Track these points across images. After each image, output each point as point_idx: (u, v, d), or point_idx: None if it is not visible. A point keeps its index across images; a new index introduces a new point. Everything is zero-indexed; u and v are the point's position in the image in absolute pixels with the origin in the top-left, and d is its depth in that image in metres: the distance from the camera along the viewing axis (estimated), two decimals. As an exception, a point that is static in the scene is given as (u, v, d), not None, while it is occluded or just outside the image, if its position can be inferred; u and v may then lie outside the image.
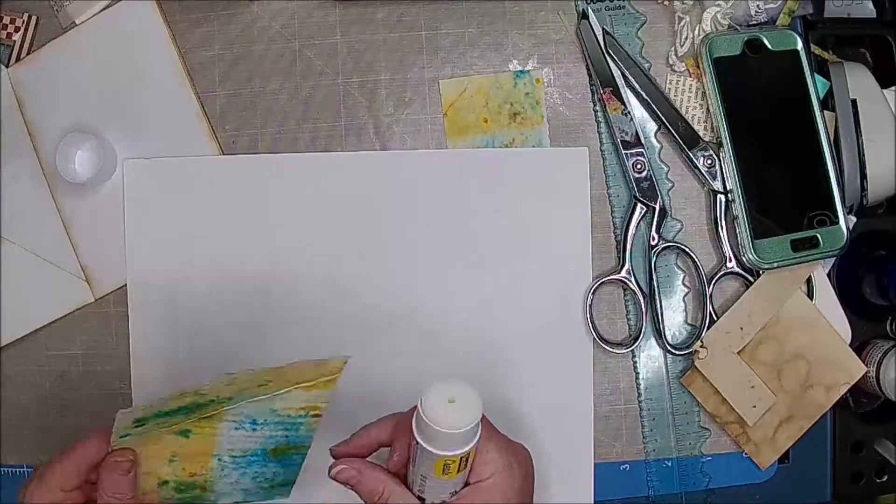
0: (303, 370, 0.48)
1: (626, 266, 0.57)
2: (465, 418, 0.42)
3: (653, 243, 0.57)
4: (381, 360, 0.58)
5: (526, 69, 0.59)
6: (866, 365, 0.57)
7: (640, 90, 0.57)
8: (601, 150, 0.58)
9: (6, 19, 0.60)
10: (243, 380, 0.49)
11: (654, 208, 0.57)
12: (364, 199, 0.58)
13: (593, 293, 0.57)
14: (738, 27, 0.57)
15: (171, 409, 0.48)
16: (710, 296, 0.57)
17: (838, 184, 0.56)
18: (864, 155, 0.57)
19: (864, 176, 0.57)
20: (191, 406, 0.48)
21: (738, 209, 0.55)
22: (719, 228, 0.57)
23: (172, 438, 0.48)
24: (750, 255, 0.55)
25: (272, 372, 0.48)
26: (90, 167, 0.58)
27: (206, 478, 0.50)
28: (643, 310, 0.57)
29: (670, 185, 0.58)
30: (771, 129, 0.56)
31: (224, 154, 0.59)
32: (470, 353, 0.58)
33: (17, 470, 0.61)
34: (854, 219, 0.58)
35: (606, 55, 0.57)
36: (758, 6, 0.57)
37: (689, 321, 0.58)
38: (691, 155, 0.57)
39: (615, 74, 0.57)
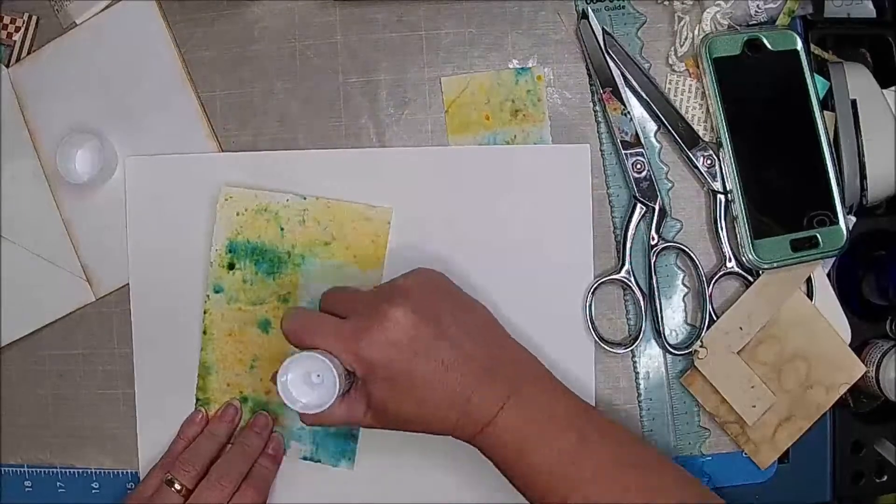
0: (354, 218, 0.57)
1: (626, 266, 0.57)
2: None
3: (652, 243, 0.57)
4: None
5: (527, 66, 0.59)
6: (866, 365, 0.57)
7: (639, 90, 0.57)
8: (601, 150, 0.58)
9: (6, 19, 0.60)
10: (311, 221, 0.57)
11: (653, 208, 0.57)
12: (365, 196, 0.58)
13: (593, 293, 0.57)
14: (737, 27, 0.57)
15: (257, 247, 0.57)
16: (710, 296, 0.57)
17: (838, 184, 0.56)
18: (863, 155, 0.57)
19: (863, 176, 0.57)
20: (273, 259, 0.57)
21: (738, 209, 0.55)
22: (719, 228, 0.57)
23: (255, 333, 0.58)
24: (750, 255, 0.55)
25: (332, 213, 0.57)
26: (91, 167, 0.58)
27: (280, 399, 0.56)
28: (643, 310, 0.57)
29: (670, 185, 0.58)
30: (771, 129, 0.56)
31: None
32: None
33: (18, 470, 0.61)
34: (854, 219, 0.58)
35: (606, 55, 0.57)
36: (758, 6, 0.57)
37: (688, 321, 0.58)
38: (691, 155, 0.57)
39: (615, 74, 0.57)
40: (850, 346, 0.57)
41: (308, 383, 0.47)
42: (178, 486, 0.54)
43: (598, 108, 0.58)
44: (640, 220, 0.57)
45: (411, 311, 0.46)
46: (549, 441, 0.47)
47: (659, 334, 0.57)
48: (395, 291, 0.48)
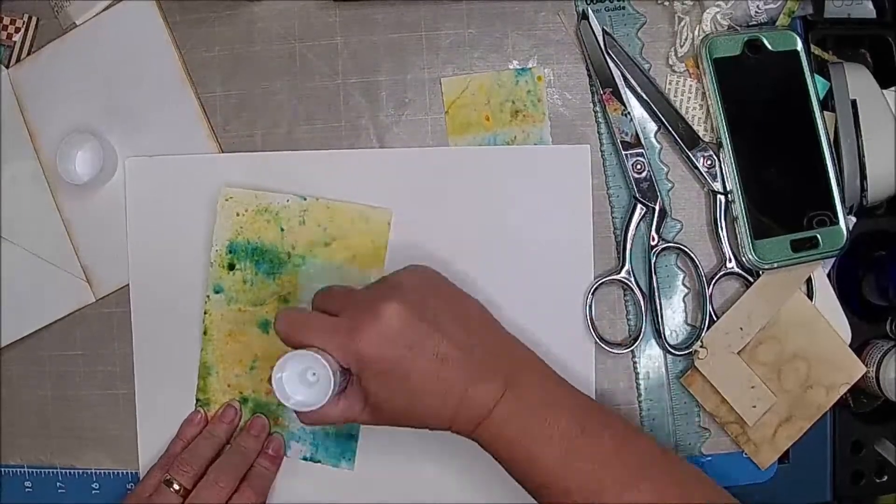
0: (354, 220, 0.57)
1: (626, 266, 0.57)
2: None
3: (653, 244, 0.57)
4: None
5: (527, 67, 0.59)
6: (866, 365, 0.57)
7: (639, 90, 0.57)
8: (601, 150, 0.58)
9: (6, 20, 0.60)
10: (311, 221, 0.57)
11: (653, 209, 0.57)
12: (365, 196, 0.58)
13: (593, 293, 0.57)
14: (737, 27, 0.57)
15: (257, 247, 0.58)
16: (710, 296, 0.57)
17: (838, 184, 0.56)
18: (864, 155, 0.57)
19: (864, 176, 0.57)
20: (273, 260, 0.57)
21: (738, 209, 0.55)
22: (719, 229, 0.57)
23: (256, 333, 0.58)
24: (750, 256, 0.55)
25: (332, 213, 0.57)
26: (90, 167, 0.58)
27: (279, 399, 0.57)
28: (643, 310, 0.57)
29: (670, 185, 0.58)
30: (771, 129, 0.56)
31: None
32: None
33: (18, 470, 0.61)
34: (854, 219, 0.58)
35: (606, 55, 0.57)
36: (758, 7, 0.57)
37: (688, 321, 0.58)
38: (691, 155, 0.57)
39: (615, 75, 0.57)
40: (851, 346, 0.58)
41: (304, 382, 0.46)
42: (176, 487, 0.54)
43: (598, 108, 0.58)
44: (640, 221, 0.57)
45: (404, 306, 0.46)
46: (550, 432, 0.46)
47: (659, 335, 0.57)
48: (388, 287, 0.48)
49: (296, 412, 0.48)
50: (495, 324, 0.51)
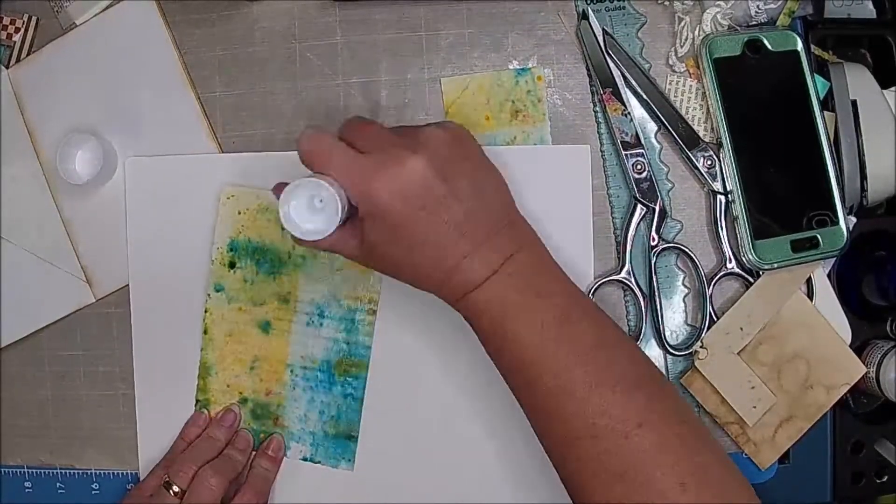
0: None
1: (626, 267, 0.57)
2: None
3: (653, 244, 0.57)
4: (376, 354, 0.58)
5: (527, 67, 0.59)
6: (866, 365, 0.57)
7: (640, 91, 0.57)
8: (601, 150, 0.58)
9: (6, 20, 0.60)
10: None
11: (654, 209, 0.57)
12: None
13: (593, 293, 0.57)
14: (737, 28, 0.57)
15: (258, 246, 0.58)
16: (710, 296, 0.57)
17: (838, 184, 0.56)
18: (864, 155, 0.57)
19: (864, 176, 0.57)
20: (274, 259, 0.58)
21: (738, 209, 0.55)
22: (719, 229, 0.57)
23: (255, 334, 0.58)
24: (750, 256, 0.55)
25: None
26: (90, 168, 0.58)
27: (279, 400, 0.58)
28: (643, 310, 0.57)
29: (670, 185, 0.58)
30: (771, 129, 0.56)
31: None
32: (467, 352, 0.58)
33: (18, 470, 0.61)
34: (854, 219, 0.58)
35: (606, 56, 0.57)
36: (758, 7, 0.57)
37: (689, 322, 0.58)
38: (691, 155, 0.57)
39: (615, 75, 0.57)
40: (851, 346, 0.57)
41: (311, 208, 0.45)
42: (175, 489, 0.54)
43: (598, 108, 0.58)
44: (640, 221, 0.57)
45: (429, 165, 0.44)
46: (534, 315, 0.46)
47: (659, 335, 0.57)
48: (419, 140, 0.46)
49: (292, 236, 0.46)
50: (510, 199, 0.50)
